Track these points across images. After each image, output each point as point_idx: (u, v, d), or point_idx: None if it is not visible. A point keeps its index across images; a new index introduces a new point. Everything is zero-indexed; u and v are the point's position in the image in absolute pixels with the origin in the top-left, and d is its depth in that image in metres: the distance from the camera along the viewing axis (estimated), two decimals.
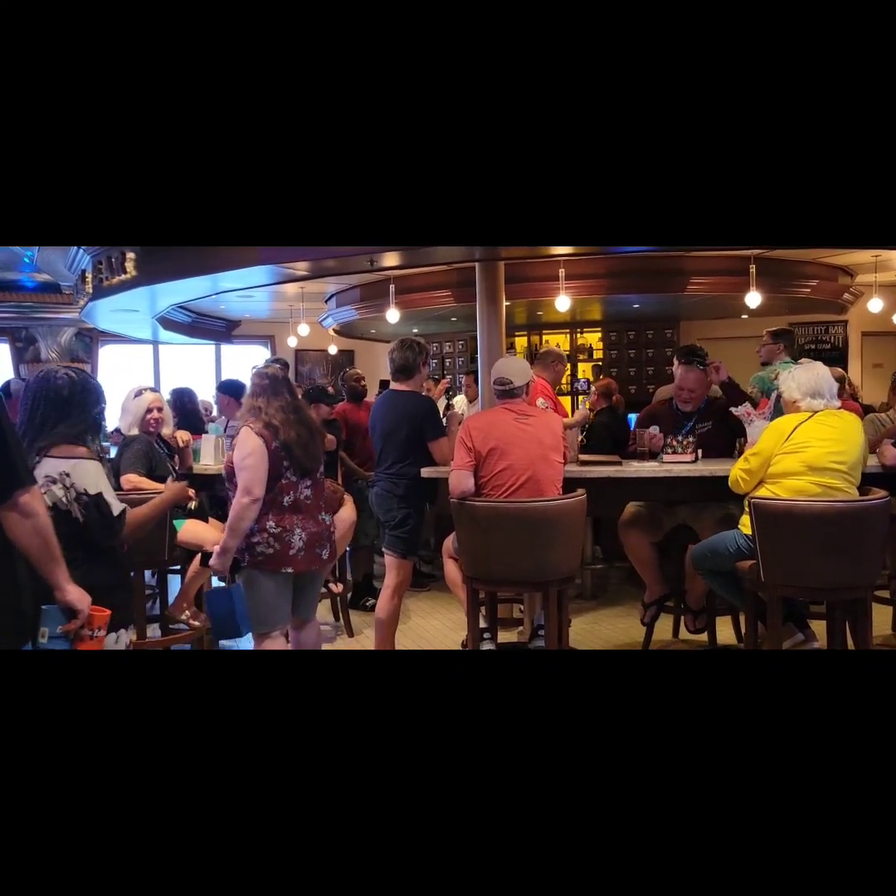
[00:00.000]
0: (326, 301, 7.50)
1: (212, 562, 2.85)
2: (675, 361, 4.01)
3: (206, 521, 3.77)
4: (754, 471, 3.06)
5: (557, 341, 8.15)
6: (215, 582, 3.38)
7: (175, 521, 3.42)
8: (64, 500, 2.14)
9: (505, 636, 3.97)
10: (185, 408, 4.94)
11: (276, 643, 2.93)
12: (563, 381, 7.81)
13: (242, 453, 2.82)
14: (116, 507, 2.21)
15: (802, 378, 3.08)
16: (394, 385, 3.80)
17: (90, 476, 2.19)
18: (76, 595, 1.89)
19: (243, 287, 5.79)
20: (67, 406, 2.19)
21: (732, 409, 3.76)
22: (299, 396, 3.11)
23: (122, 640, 2.24)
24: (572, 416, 4.63)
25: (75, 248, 6.06)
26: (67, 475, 2.15)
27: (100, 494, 2.19)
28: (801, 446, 2.94)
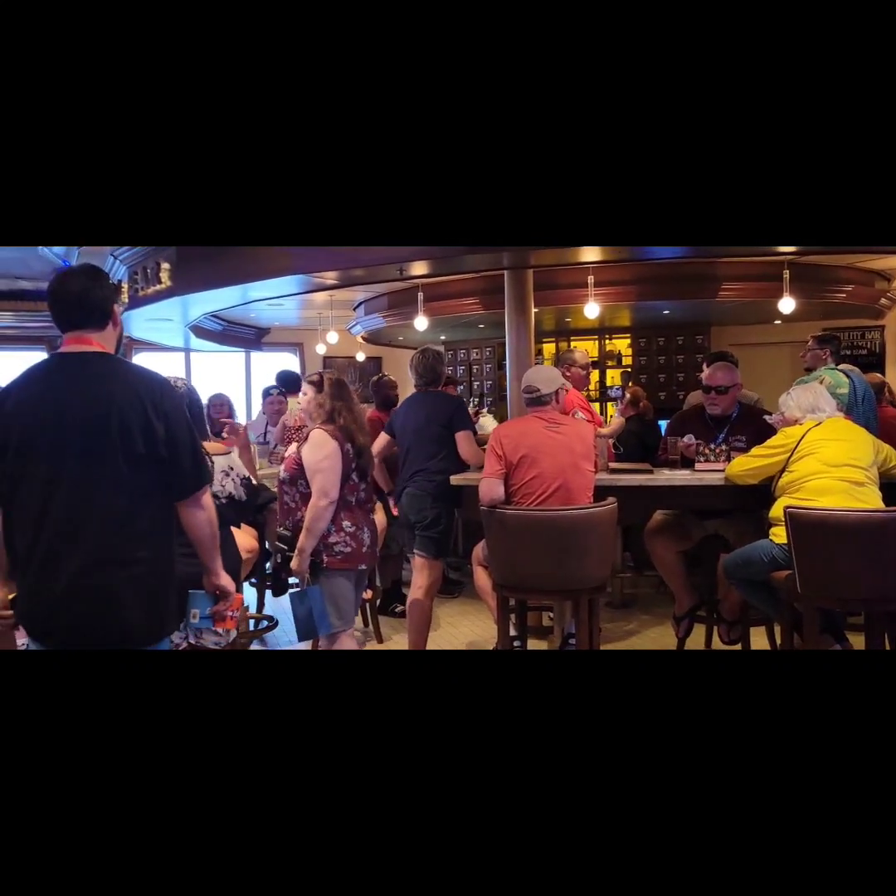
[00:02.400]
0: (355, 309, 7.55)
1: (292, 563, 2.92)
2: (704, 368, 3.97)
3: (239, 528, 3.81)
4: (756, 468, 3.19)
5: (586, 348, 8.11)
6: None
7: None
8: (237, 488, 2.61)
9: (535, 644, 3.95)
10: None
11: (351, 641, 3.00)
12: (592, 386, 7.79)
13: (319, 456, 2.88)
14: (254, 480, 2.71)
15: (801, 397, 3.26)
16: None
17: (240, 463, 2.68)
18: (227, 580, 2.11)
19: (274, 296, 5.85)
20: (196, 409, 2.58)
21: (767, 417, 3.71)
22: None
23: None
24: (607, 426, 4.57)
25: (112, 259, 6.18)
26: (232, 468, 2.62)
27: (250, 476, 2.67)
28: (815, 447, 3.03)
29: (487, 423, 6.14)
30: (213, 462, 2.41)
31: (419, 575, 3.70)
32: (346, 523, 2.91)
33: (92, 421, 1.76)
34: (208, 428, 4.18)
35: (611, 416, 5.46)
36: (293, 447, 3.07)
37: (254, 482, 2.70)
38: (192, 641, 2.47)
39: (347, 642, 2.96)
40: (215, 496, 2.53)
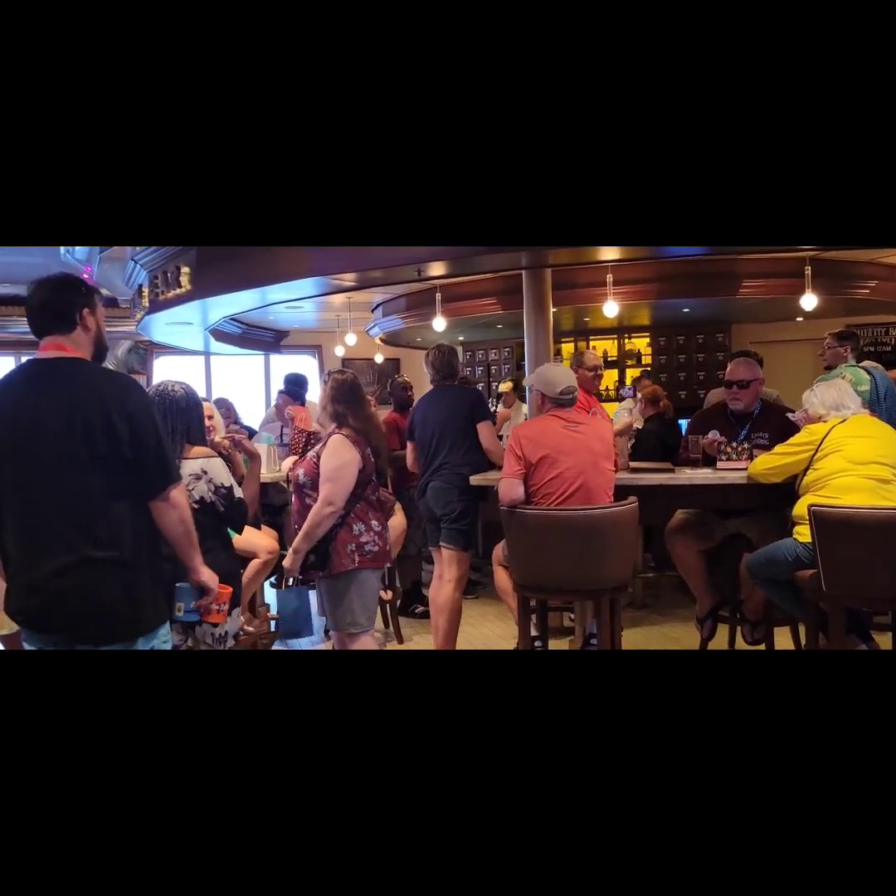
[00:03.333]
0: (373, 310, 7.56)
1: (285, 561, 2.94)
2: (728, 367, 3.95)
3: (259, 529, 3.83)
4: (779, 467, 3.15)
5: (605, 347, 8.07)
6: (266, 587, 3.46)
7: (229, 529, 3.49)
8: (208, 494, 2.56)
9: (556, 645, 3.93)
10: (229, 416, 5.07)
11: (372, 641, 3.01)
12: (610, 385, 7.73)
13: (335, 464, 2.84)
14: (239, 493, 2.63)
15: (825, 395, 3.19)
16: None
17: (221, 471, 2.61)
18: (208, 575, 2.18)
19: (292, 298, 5.88)
20: (187, 413, 2.60)
21: (790, 415, 3.67)
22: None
23: (235, 613, 2.66)
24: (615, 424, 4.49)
25: (132, 263, 6.24)
26: (205, 472, 2.56)
27: (231, 486, 2.61)
28: (840, 445, 2.99)
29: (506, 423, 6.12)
30: (179, 464, 2.45)
31: (448, 568, 3.72)
32: (374, 523, 2.91)
33: (58, 423, 1.84)
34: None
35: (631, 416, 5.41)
36: (312, 452, 3.06)
37: (236, 494, 2.63)
38: (191, 643, 2.54)
39: (368, 642, 2.97)
40: None
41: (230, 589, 2.33)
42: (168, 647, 2.06)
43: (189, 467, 2.54)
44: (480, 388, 8.58)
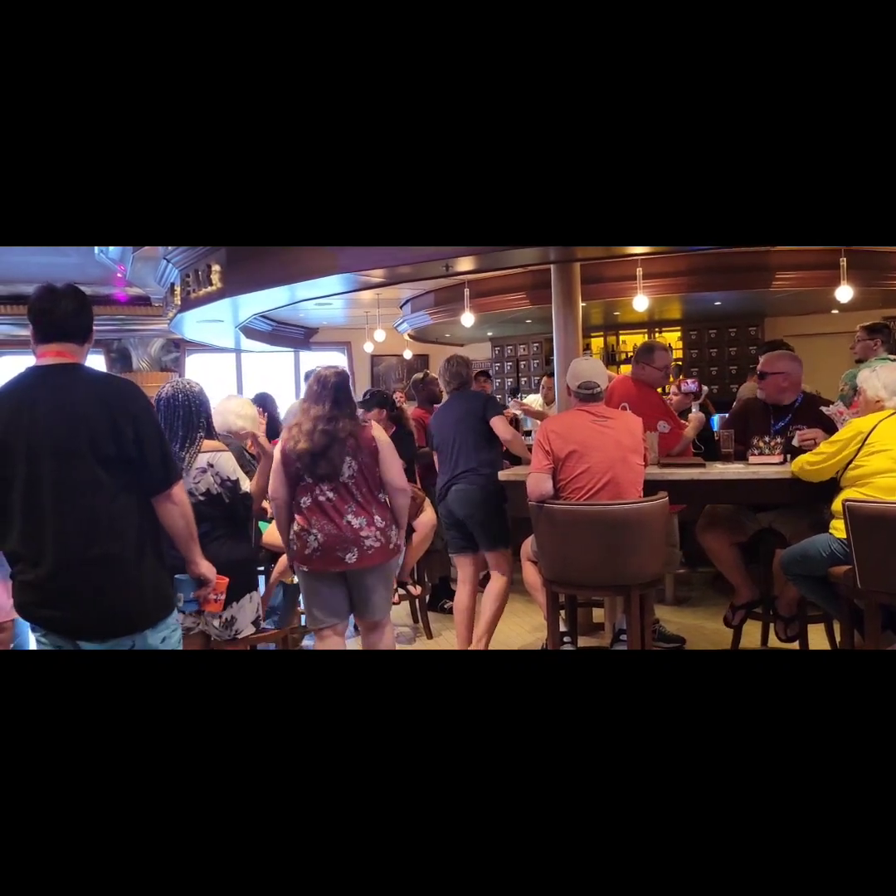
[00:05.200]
0: (401, 306, 7.58)
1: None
2: (760, 361, 3.90)
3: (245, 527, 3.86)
4: (822, 467, 3.03)
5: (635, 342, 8.00)
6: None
7: (260, 524, 3.53)
8: (215, 486, 2.69)
9: (586, 641, 3.92)
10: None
11: (330, 642, 3.03)
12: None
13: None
14: (245, 487, 2.78)
15: (888, 377, 3.04)
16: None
17: (229, 464, 2.74)
18: (206, 567, 2.28)
19: (321, 295, 5.92)
20: (202, 409, 2.74)
21: (823, 408, 3.61)
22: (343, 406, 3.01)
23: (255, 600, 2.83)
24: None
25: (165, 262, 6.33)
26: (212, 465, 2.69)
27: (237, 480, 2.74)
28: (889, 444, 2.86)
29: (533, 400, 6.09)
30: (188, 460, 2.64)
31: (498, 566, 3.78)
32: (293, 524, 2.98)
33: (64, 427, 1.91)
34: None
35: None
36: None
37: (242, 487, 2.76)
38: (201, 626, 2.73)
39: (327, 644, 3.04)
40: (190, 493, 2.60)
41: (227, 580, 2.41)
42: (178, 635, 2.12)
43: (200, 460, 2.67)
44: (511, 382, 8.56)
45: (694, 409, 4.16)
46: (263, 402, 5.08)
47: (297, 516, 2.94)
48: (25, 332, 2.11)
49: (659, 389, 4.20)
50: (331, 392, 2.97)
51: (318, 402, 2.96)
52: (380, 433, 3.01)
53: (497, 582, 3.79)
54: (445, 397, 4.10)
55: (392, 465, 2.99)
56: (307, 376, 5.19)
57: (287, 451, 2.91)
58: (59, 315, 2.00)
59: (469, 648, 3.81)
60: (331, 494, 2.90)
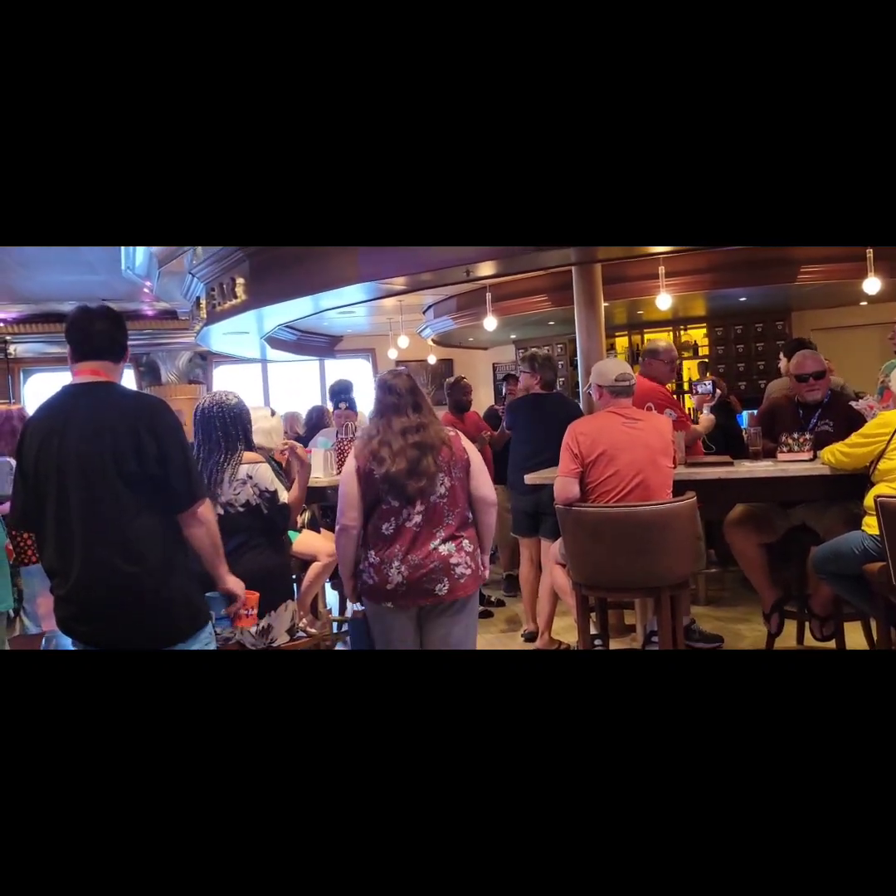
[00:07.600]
0: (424, 312, 7.61)
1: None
2: (783, 359, 3.87)
3: (319, 532, 3.90)
4: (854, 457, 3.04)
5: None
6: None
7: (289, 533, 3.56)
8: (254, 496, 2.74)
9: (617, 644, 3.90)
10: (320, 423, 5.31)
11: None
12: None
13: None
14: (283, 498, 2.81)
15: None
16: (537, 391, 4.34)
17: (267, 476, 2.77)
18: (233, 583, 2.28)
19: (345, 304, 5.97)
20: (240, 421, 2.79)
21: (853, 403, 3.56)
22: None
23: (290, 608, 2.84)
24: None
25: (190, 276, 6.42)
26: (251, 477, 2.73)
27: (275, 491, 2.76)
28: None
29: None
30: (231, 472, 2.70)
31: (555, 556, 3.81)
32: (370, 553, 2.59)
33: (89, 444, 1.95)
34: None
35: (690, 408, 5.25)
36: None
37: (280, 499, 2.77)
38: (238, 639, 2.76)
39: None
40: (230, 504, 2.72)
41: (257, 594, 2.40)
42: (213, 647, 2.15)
43: (240, 472, 2.70)
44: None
45: (705, 411, 4.20)
46: (345, 391, 5.10)
47: (373, 546, 2.49)
48: (57, 350, 2.17)
49: (668, 385, 4.35)
50: (409, 397, 2.55)
51: (399, 412, 2.52)
52: (467, 443, 2.62)
53: (560, 577, 3.73)
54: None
55: (487, 478, 2.60)
56: (336, 392, 5.21)
57: (371, 474, 2.47)
58: (94, 334, 2.05)
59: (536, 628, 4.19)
60: (418, 518, 2.46)
